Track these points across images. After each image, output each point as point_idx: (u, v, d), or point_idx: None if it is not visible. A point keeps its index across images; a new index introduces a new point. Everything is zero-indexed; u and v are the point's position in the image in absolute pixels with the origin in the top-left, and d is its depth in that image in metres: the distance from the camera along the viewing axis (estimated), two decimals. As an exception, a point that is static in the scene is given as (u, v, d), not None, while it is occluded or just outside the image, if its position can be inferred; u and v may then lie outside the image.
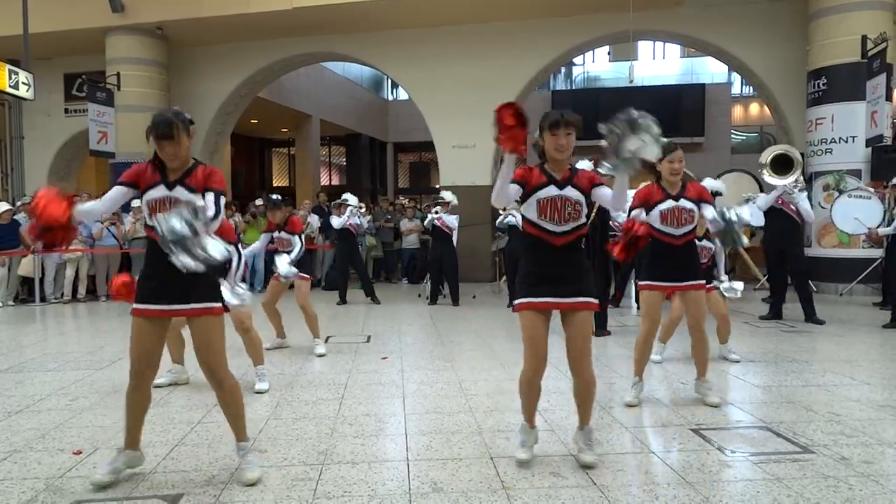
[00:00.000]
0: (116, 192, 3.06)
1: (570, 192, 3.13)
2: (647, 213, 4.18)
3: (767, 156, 7.98)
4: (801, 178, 8.20)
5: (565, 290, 3.14)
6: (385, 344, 6.56)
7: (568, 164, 3.20)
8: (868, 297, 9.85)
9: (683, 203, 4.14)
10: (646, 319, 4.28)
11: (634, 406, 4.20)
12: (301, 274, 6.04)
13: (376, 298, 9.84)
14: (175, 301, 3.00)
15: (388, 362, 5.67)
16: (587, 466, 3.17)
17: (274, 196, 6.14)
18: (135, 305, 3.04)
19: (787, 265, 7.95)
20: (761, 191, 11.50)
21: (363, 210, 10.12)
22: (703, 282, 4.32)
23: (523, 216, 3.22)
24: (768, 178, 7.79)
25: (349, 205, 9.75)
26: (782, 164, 7.90)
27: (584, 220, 3.16)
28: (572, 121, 3.11)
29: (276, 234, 6.15)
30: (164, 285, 2.99)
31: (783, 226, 7.68)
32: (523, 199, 3.16)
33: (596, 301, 3.22)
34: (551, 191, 3.12)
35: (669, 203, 4.13)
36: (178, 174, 3.03)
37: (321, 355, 6.01)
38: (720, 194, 9.07)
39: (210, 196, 2.97)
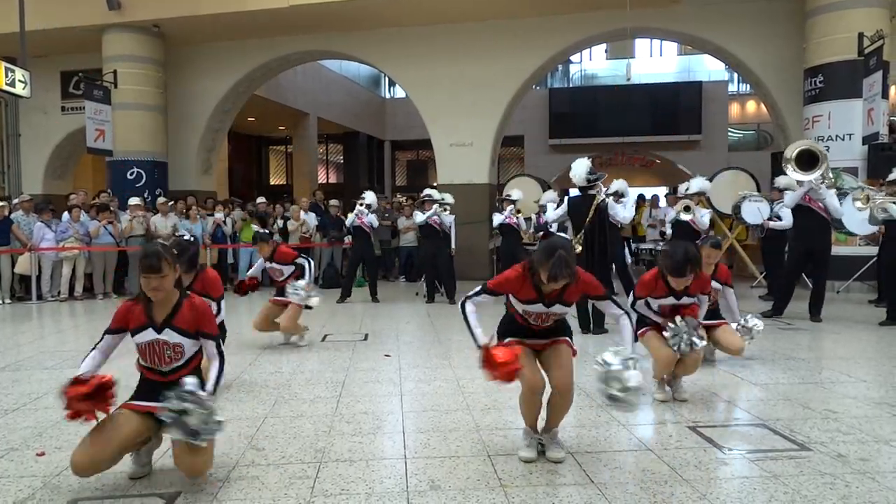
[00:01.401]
0: (109, 343, 3.07)
1: (557, 308, 3.25)
2: (648, 301, 4.29)
3: (792, 151, 7.74)
4: (830, 173, 7.95)
5: (545, 338, 3.38)
6: (383, 342, 6.55)
7: None
8: (865, 295, 9.87)
9: (685, 301, 4.20)
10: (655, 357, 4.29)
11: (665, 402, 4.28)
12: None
13: (376, 297, 9.84)
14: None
15: (385, 360, 5.67)
16: (557, 462, 3.22)
17: (260, 231, 6.33)
18: (127, 401, 3.04)
19: (812, 264, 7.74)
20: (758, 189, 11.52)
21: (369, 207, 9.98)
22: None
23: (509, 300, 3.36)
24: (792, 173, 7.58)
25: (364, 203, 9.79)
26: (807, 161, 7.65)
27: (566, 312, 3.33)
28: (568, 277, 3.05)
29: (267, 265, 6.25)
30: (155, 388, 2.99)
31: (812, 224, 7.48)
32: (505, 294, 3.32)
33: (571, 341, 3.39)
34: (538, 307, 3.24)
35: (671, 300, 4.19)
36: (165, 312, 3.02)
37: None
38: (704, 193, 9.12)
39: (210, 346, 3.07)
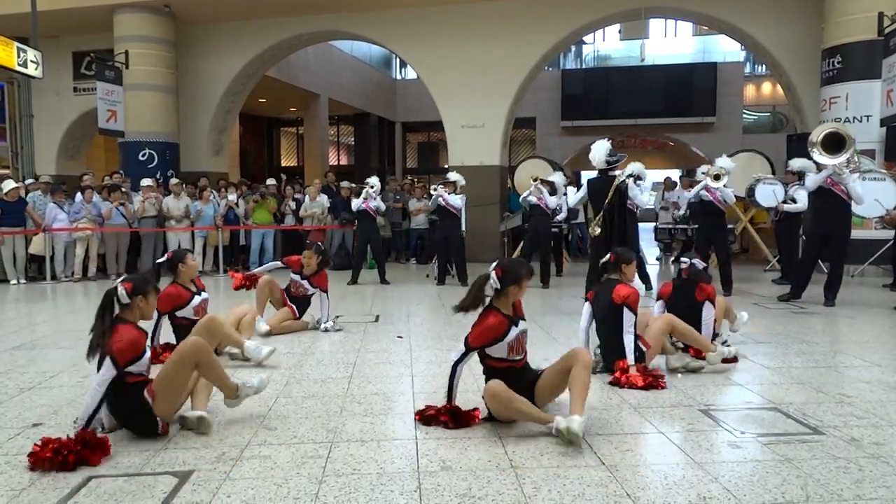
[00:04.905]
0: None
1: (524, 324, 3.58)
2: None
3: (818, 134, 7.48)
4: (856, 157, 7.68)
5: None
6: (394, 324, 6.56)
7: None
8: (879, 279, 9.77)
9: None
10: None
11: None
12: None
13: (385, 279, 9.85)
14: None
15: (396, 342, 5.68)
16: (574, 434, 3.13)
17: (318, 244, 6.35)
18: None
19: (832, 247, 7.47)
20: (773, 173, 11.39)
21: (375, 190, 9.95)
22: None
23: (489, 355, 3.54)
24: (818, 157, 7.24)
25: (370, 187, 9.77)
26: (834, 144, 7.41)
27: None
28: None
29: (293, 275, 6.17)
30: None
31: (833, 208, 7.24)
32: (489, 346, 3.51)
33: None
34: (513, 331, 3.49)
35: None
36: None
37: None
38: (728, 173, 8.93)
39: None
